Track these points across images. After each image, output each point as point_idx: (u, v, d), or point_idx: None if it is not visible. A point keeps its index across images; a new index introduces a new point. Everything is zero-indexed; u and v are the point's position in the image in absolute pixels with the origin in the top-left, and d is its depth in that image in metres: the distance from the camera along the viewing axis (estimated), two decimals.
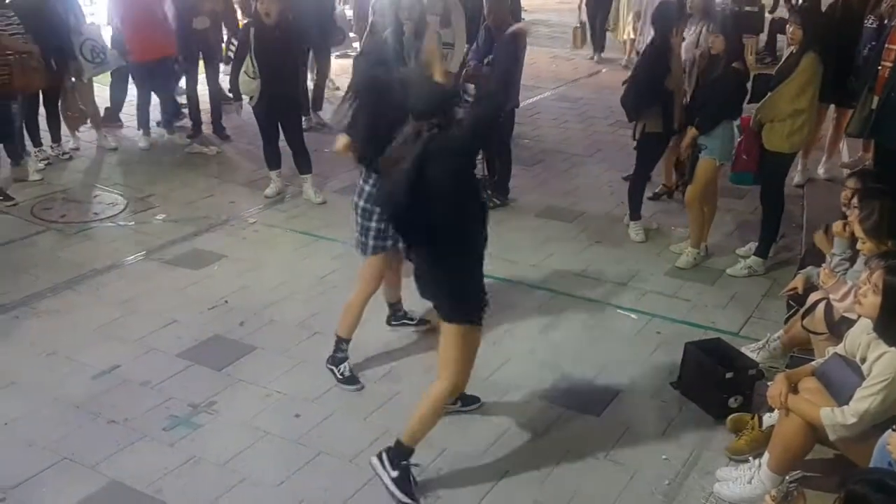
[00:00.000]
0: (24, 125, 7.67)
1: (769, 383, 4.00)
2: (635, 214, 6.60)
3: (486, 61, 6.88)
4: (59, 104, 8.06)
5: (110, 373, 4.72)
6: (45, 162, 7.92)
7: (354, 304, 4.68)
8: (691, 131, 5.92)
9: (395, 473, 3.77)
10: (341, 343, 4.70)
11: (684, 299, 5.66)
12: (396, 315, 5.19)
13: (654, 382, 4.71)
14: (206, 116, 8.88)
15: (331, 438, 4.20)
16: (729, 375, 4.35)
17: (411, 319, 5.18)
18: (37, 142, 7.95)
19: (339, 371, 4.68)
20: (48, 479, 3.88)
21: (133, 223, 6.81)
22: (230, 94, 7.31)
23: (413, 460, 3.84)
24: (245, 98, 7.09)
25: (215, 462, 4.02)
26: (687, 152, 6.08)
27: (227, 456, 4.06)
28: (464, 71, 7.31)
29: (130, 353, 4.91)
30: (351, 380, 4.66)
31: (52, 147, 8.13)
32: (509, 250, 6.26)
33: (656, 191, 7.34)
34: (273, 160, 7.38)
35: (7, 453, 4.06)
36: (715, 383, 4.38)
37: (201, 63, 8.75)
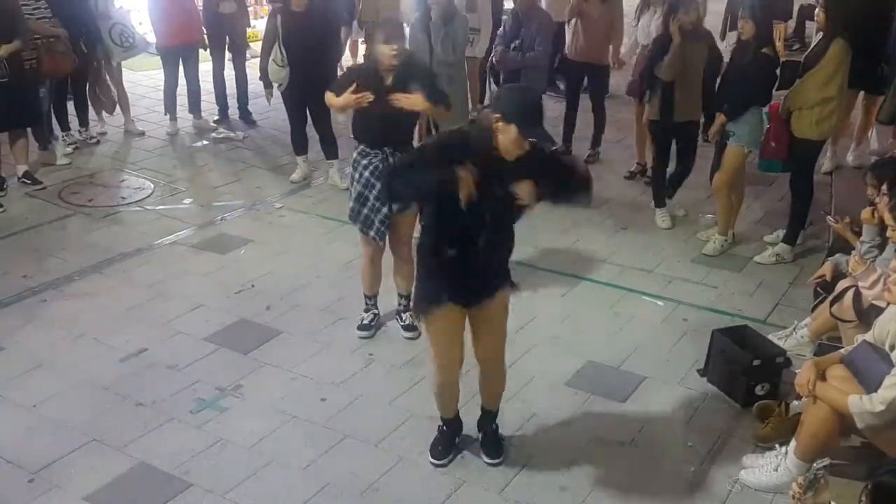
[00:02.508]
0: (52, 109, 7.73)
1: (796, 371, 3.99)
2: (659, 201, 6.56)
3: (512, 46, 6.86)
4: (88, 89, 8.12)
5: (138, 356, 4.77)
6: (73, 146, 7.99)
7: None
8: (719, 118, 5.86)
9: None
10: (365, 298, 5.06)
11: (711, 286, 5.63)
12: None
13: (680, 369, 4.70)
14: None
15: (356, 422, 4.23)
16: (756, 363, 4.33)
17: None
18: (65, 126, 8.02)
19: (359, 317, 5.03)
20: (76, 461, 3.94)
21: (160, 207, 6.86)
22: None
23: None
24: (274, 85, 7.11)
25: (242, 445, 4.06)
26: (715, 138, 6.03)
27: (253, 439, 4.10)
28: (491, 56, 7.30)
29: (158, 337, 4.96)
30: (363, 327, 4.99)
31: (79, 131, 8.19)
32: (534, 235, 6.24)
33: (631, 170, 7.45)
34: (300, 145, 7.41)
35: (35, 435, 4.12)
36: (742, 370, 4.36)
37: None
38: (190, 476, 3.85)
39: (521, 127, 3.33)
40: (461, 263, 3.57)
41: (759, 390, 4.33)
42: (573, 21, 7.45)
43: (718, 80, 6.11)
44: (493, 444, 4.03)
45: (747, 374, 4.33)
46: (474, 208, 3.37)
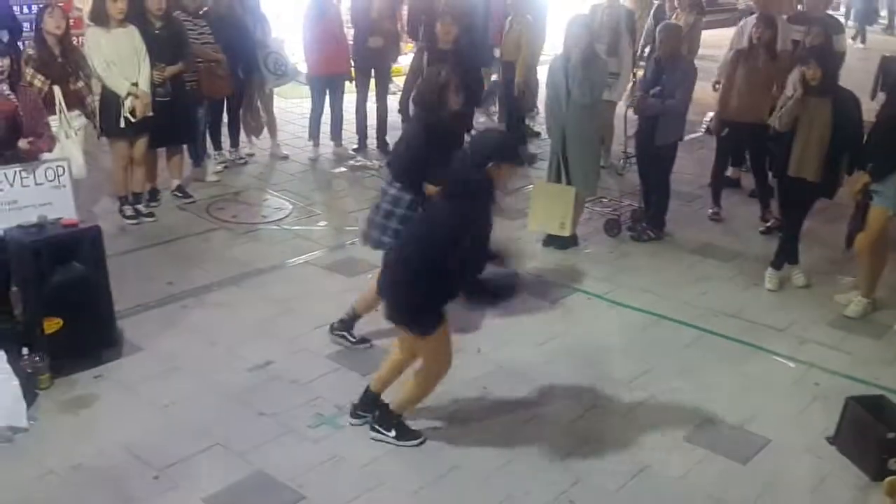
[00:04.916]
0: (207, 129, 8.10)
1: None
2: (776, 261, 6.28)
3: (651, 92, 6.76)
4: (241, 112, 8.50)
5: (264, 367, 4.91)
6: (223, 165, 8.33)
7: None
8: (862, 177, 5.58)
9: (393, 433, 4.23)
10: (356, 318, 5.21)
11: (847, 352, 5.32)
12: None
13: (808, 435, 4.45)
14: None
15: (466, 454, 4.20)
16: (891, 436, 4.07)
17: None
18: (217, 145, 8.39)
19: (351, 336, 5.19)
20: (199, 462, 4.07)
21: (296, 228, 7.07)
22: None
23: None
24: None
25: (355, 463, 4.10)
26: (857, 198, 5.74)
27: (366, 459, 4.14)
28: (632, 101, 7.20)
29: (284, 351, 5.09)
30: (363, 339, 5.19)
31: (230, 151, 8.55)
32: (661, 285, 6.10)
33: (768, 224, 7.17)
34: None
35: (164, 434, 4.28)
36: (875, 442, 4.10)
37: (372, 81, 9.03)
38: (304, 489, 3.91)
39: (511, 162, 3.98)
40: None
41: (892, 465, 4.04)
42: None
43: (862, 139, 5.81)
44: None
45: (881, 447, 4.07)
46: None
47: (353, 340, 5.17)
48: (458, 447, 4.26)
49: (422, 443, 4.26)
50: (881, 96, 7.71)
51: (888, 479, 3.98)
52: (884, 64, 9.51)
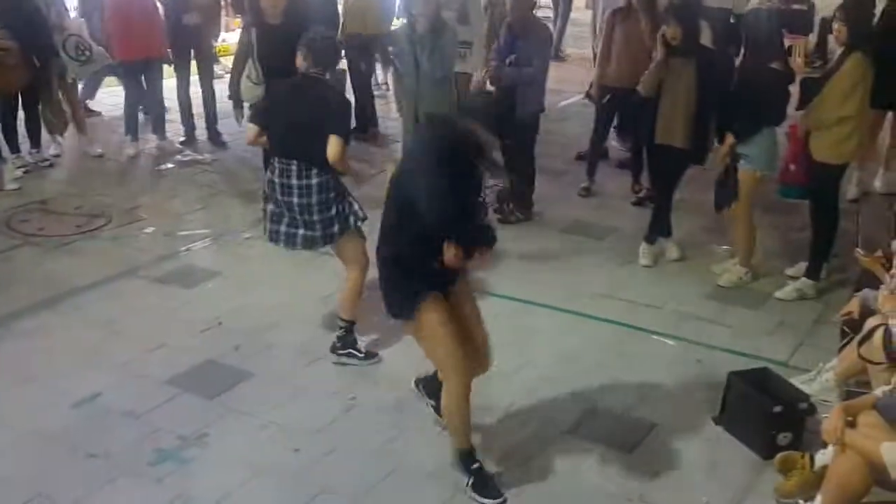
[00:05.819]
0: (0, 130, 7.75)
1: (823, 416, 3.97)
2: (649, 235, 6.58)
3: (507, 61, 6.90)
4: (40, 106, 8.13)
5: (91, 401, 4.72)
6: (23, 169, 8.00)
7: (353, 288, 5.10)
8: (728, 139, 5.89)
9: (471, 479, 4.04)
10: (350, 326, 5.11)
11: (727, 325, 5.62)
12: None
13: (693, 416, 4.67)
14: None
15: (334, 475, 4.18)
16: (777, 409, 4.31)
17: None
18: (14, 147, 8.04)
19: (358, 351, 5.10)
20: None
21: (118, 237, 6.86)
22: None
23: None
24: (246, 105, 7.11)
25: (206, 501, 4.00)
26: (725, 161, 6.05)
27: (218, 494, 4.04)
28: (485, 72, 7.32)
29: (114, 380, 4.91)
30: (370, 354, 5.13)
31: (30, 153, 8.22)
32: (533, 269, 6.26)
33: (639, 195, 7.57)
34: None
35: None
36: (762, 418, 4.34)
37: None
38: None
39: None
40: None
41: (780, 440, 4.29)
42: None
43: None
44: None
45: (768, 422, 4.31)
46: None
47: (361, 356, 5.11)
48: (326, 467, 4.24)
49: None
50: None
51: (779, 455, 4.24)
52: (745, 18, 10.04)
